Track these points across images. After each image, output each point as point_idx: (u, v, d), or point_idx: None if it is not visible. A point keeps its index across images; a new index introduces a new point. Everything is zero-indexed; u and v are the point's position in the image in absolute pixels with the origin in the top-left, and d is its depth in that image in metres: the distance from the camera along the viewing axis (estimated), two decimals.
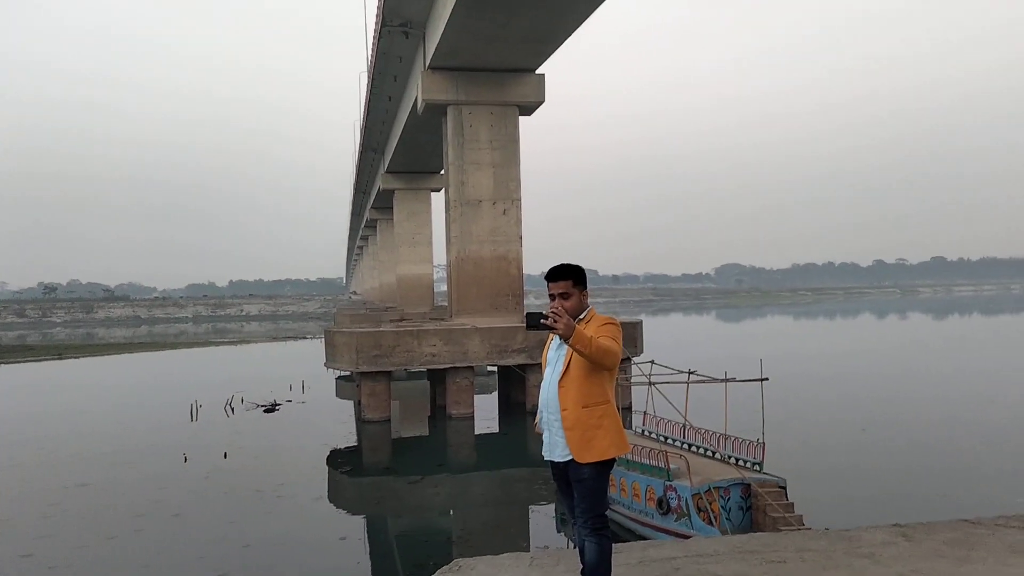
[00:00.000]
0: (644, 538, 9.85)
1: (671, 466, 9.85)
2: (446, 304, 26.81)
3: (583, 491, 4.07)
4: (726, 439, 10.73)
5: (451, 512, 12.91)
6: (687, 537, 9.18)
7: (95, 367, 41.58)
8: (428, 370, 21.88)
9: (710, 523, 9.30)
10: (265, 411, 22.72)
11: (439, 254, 38.08)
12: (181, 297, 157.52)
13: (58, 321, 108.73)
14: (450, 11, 18.78)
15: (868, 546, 4.26)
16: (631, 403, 18.37)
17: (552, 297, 4.19)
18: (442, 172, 27.21)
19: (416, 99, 24.23)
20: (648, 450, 10.31)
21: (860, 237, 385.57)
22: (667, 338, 48.44)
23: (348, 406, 24.04)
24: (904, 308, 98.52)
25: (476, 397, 21.18)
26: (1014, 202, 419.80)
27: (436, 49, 21.40)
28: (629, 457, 10.28)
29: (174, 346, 55.49)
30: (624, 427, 4.14)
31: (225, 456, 16.35)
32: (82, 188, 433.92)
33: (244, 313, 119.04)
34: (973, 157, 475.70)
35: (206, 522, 11.81)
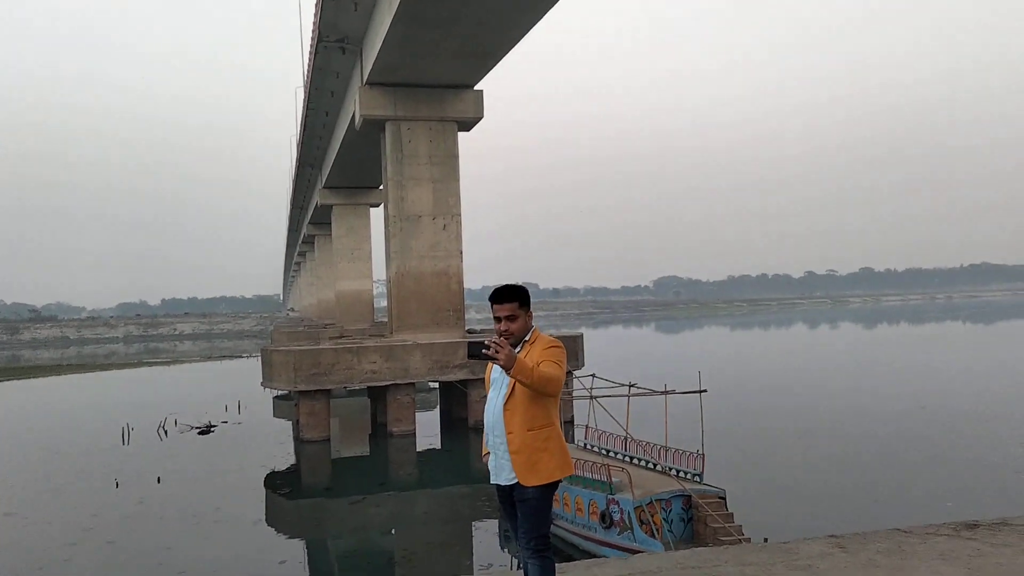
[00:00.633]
0: (588, 552, 9.89)
1: (613, 480, 9.91)
2: (386, 320, 26.61)
3: (526, 512, 4.05)
4: (667, 451, 10.86)
5: (393, 532, 12.77)
6: (630, 550, 9.26)
7: (21, 391, 40.04)
8: (368, 387, 21.64)
9: (652, 535, 9.38)
10: (200, 433, 22.16)
11: (379, 269, 37.85)
12: (111, 317, 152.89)
13: None
14: (387, 28, 18.72)
15: (806, 558, 4.35)
16: (573, 417, 18.44)
17: (498, 319, 4.17)
18: (381, 187, 27.09)
19: (354, 115, 24.07)
20: (591, 464, 10.36)
21: (792, 249, 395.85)
22: (608, 351, 48.87)
23: (286, 426, 23.61)
24: (835, 318, 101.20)
25: (417, 414, 21.02)
26: (938, 215, 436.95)
27: (374, 65, 21.30)
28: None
29: (105, 367, 53.79)
30: (567, 441, 4.15)
31: (159, 480, 15.90)
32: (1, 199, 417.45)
33: (177, 332, 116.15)
34: (897, 169, 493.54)
35: (141, 549, 11.45)
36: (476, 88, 23.09)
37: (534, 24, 18.69)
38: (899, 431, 18.82)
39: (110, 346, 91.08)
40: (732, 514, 9.74)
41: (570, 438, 14.06)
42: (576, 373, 16.83)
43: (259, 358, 23.43)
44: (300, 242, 72.74)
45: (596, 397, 11.68)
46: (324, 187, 41.66)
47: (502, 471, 4.10)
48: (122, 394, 36.93)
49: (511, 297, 4.17)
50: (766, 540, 8.33)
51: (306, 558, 11.40)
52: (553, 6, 17.61)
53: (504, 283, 4.31)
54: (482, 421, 4.30)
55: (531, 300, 4.30)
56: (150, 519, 13.15)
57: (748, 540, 9.06)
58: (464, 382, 20.55)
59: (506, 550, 10.81)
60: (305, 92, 30.14)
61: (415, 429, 20.43)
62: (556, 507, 10.65)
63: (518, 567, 4.36)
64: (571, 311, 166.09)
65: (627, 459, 11.46)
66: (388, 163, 22.96)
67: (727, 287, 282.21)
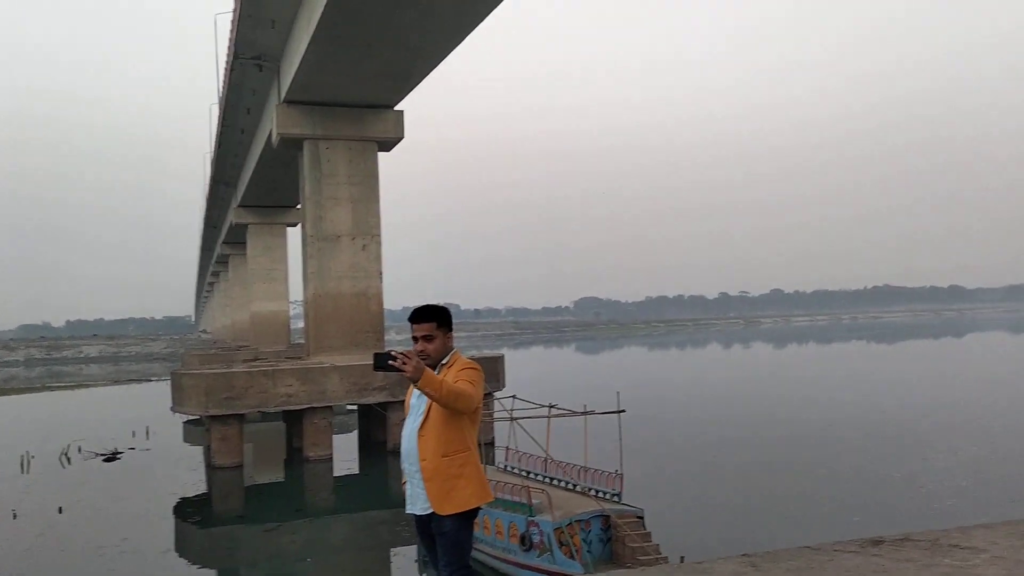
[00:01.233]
0: None
1: (533, 501, 9.90)
2: (303, 342, 26.11)
3: (445, 544, 3.95)
4: (586, 471, 10.92)
5: (309, 560, 12.44)
6: (550, 573, 9.26)
7: None
8: (284, 411, 21.14)
9: (572, 557, 9.39)
10: (105, 460, 21.24)
11: (296, 291, 37.18)
12: (11, 339, 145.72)
13: None
14: (305, 46, 18.52)
15: None
16: (494, 438, 18.39)
17: (415, 339, 4.10)
18: (299, 206, 26.64)
19: (271, 132, 23.66)
20: (511, 486, 10.33)
21: (706, 271, 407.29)
22: (529, 372, 49.04)
23: (197, 452, 22.85)
24: (748, 338, 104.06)
25: (335, 437, 20.64)
26: (842, 240, 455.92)
27: (292, 83, 21.01)
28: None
29: (2, 391, 51.19)
30: (487, 463, 4.11)
31: (60, 511, 15.14)
32: None
33: (83, 355, 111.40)
34: (806, 197, 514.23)
35: None
36: (397, 108, 23.01)
37: (454, 47, 18.77)
38: (811, 447, 19.42)
39: (10, 370, 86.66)
40: (650, 533, 9.83)
41: (491, 460, 14.00)
42: (497, 395, 16.83)
43: (169, 382, 22.63)
44: (214, 262, 70.84)
45: (516, 419, 11.67)
46: (239, 206, 40.72)
47: (417, 500, 4.00)
48: (22, 420, 35.15)
49: (429, 317, 4.11)
50: (683, 559, 8.45)
51: None
52: (472, 31, 17.73)
53: (425, 303, 4.27)
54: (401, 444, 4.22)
55: (452, 321, 4.25)
56: (51, 552, 12.50)
57: (665, 559, 9.16)
58: (383, 404, 20.28)
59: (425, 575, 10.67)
60: (220, 108, 29.50)
61: (332, 453, 20.03)
62: (476, 530, 10.56)
63: None
64: (492, 332, 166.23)
65: (547, 480, 11.48)
66: (306, 182, 22.62)
67: (645, 308, 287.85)
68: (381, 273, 23.07)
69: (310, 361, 21.81)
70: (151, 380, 56.54)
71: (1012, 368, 41.84)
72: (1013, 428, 21.06)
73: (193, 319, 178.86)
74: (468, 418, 3.96)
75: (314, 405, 19.71)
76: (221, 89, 28.10)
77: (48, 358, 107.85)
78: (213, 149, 36.54)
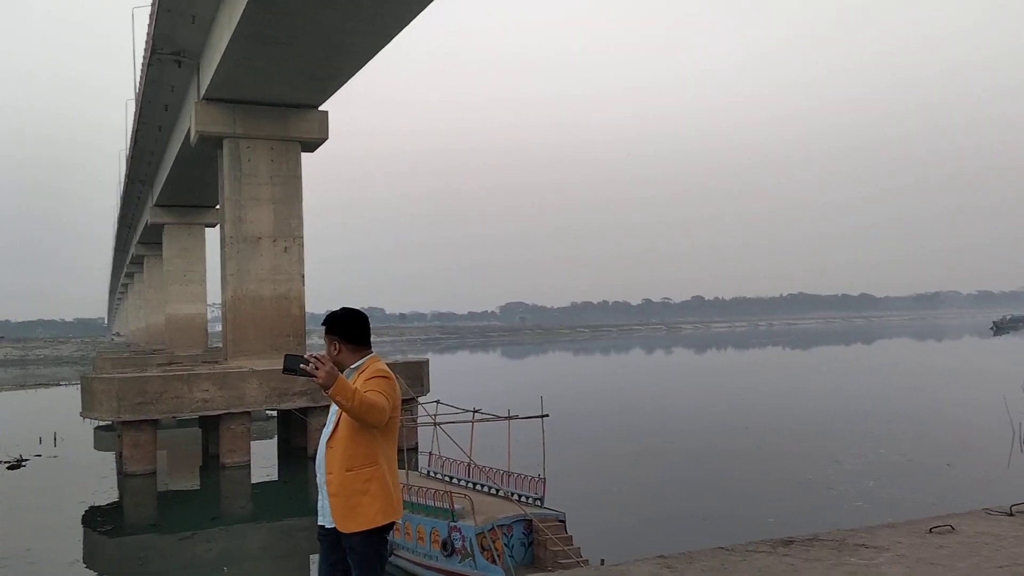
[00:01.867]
0: None
1: (456, 506, 9.87)
2: (221, 346, 25.47)
3: (355, 561, 3.80)
4: (509, 476, 10.94)
5: (225, 569, 12.13)
6: None
7: None
8: (200, 417, 20.57)
9: (494, 561, 9.40)
10: (9, 468, 20.29)
11: (214, 293, 36.24)
12: None
13: None
14: (226, 43, 18.11)
15: None
16: (417, 444, 18.28)
17: (329, 343, 4.04)
18: (218, 207, 26.00)
19: (190, 130, 23.04)
20: (433, 491, 10.27)
21: (629, 277, 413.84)
22: (454, 376, 48.91)
23: (108, 458, 22.05)
24: (670, 343, 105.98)
25: (253, 443, 20.18)
26: (761, 247, 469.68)
27: (212, 80, 20.51)
28: (414, 500, 10.20)
29: None
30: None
31: None
32: None
33: None
34: (719, 207, 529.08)
35: None
36: (321, 109, 22.70)
37: (379, 49, 18.61)
38: (727, 451, 19.89)
39: None
40: (571, 537, 9.91)
41: (413, 465, 13.91)
42: (421, 400, 16.72)
43: (79, 386, 21.78)
44: (128, 262, 68.57)
45: (440, 424, 11.62)
46: (155, 205, 39.54)
47: (326, 512, 3.86)
48: None
49: (330, 327, 4.04)
50: (603, 562, 8.54)
51: None
52: (398, 33, 17.63)
53: (347, 307, 4.19)
54: None
55: (370, 326, 4.17)
56: None
57: (587, 562, 9.24)
58: (304, 410, 19.94)
59: None
60: (137, 105, 28.60)
61: (250, 460, 19.59)
62: (397, 536, 10.48)
63: None
64: (418, 336, 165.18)
65: (470, 485, 11.46)
66: (226, 182, 22.10)
67: (570, 313, 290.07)
68: (303, 276, 22.69)
69: (228, 365, 21.30)
70: (60, 384, 54.33)
71: (917, 375, 43.68)
72: (918, 432, 21.99)
73: (106, 321, 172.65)
74: (380, 430, 3.77)
75: (231, 411, 19.24)
76: (138, 85, 27.25)
77: None
78: (129, 147, 35.37)
